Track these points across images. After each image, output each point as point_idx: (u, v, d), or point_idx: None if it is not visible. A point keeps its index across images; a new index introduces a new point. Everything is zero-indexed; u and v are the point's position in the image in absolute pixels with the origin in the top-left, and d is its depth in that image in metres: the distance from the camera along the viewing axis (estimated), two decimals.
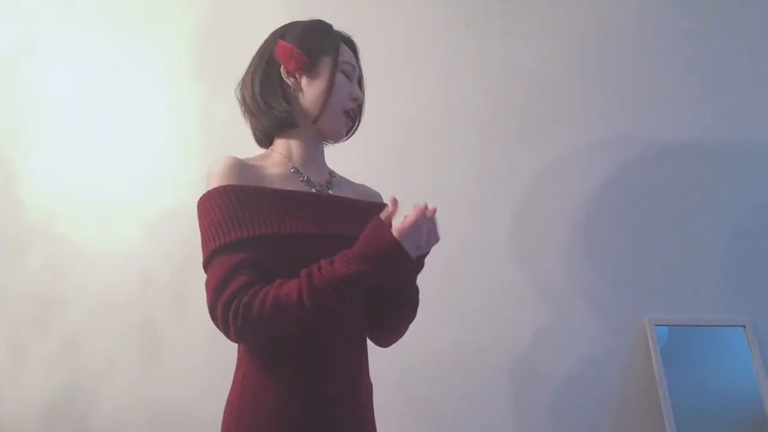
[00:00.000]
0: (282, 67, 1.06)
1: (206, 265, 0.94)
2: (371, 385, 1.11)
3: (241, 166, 0.99)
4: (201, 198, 0.98)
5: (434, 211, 0.91)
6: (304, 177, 1.07)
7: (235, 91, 1.12)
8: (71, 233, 2.07)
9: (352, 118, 1.11)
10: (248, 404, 0.96)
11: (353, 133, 1.16)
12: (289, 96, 1.07)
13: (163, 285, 1.96)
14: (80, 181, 2.11)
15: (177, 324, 1.92)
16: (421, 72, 1.91)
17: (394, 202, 0.91)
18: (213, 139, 2.02)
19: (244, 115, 1.12)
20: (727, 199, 1.71)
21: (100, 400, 1.94)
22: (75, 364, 1.98)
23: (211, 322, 0.89)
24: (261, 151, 1.15)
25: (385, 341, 1.16)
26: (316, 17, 1.12)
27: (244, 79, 1.11)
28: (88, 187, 2.09)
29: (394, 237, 0.86)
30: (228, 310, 0.88)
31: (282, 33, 1.09)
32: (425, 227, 0.90)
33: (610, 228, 1.73)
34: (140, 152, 2.07)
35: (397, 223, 0.90)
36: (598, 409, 1.65)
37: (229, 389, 1.03)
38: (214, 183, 0.97)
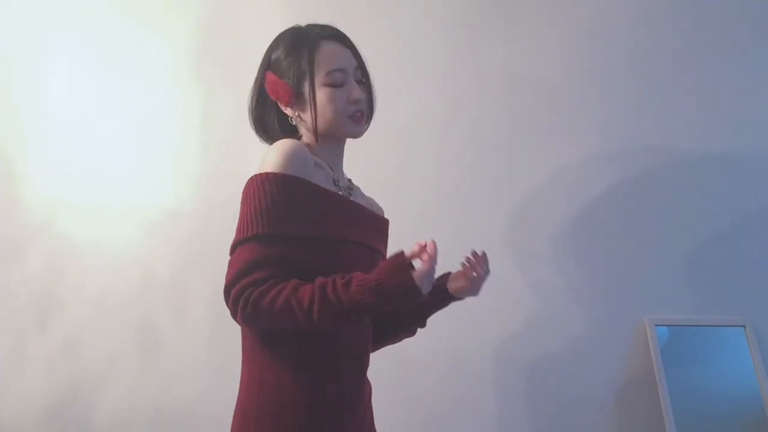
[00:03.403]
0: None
1: (237, 245, 0.95)
2: (369, 382, 1.12)
3: (299, 157, 0.97)
4: (254, 178, 0.96)
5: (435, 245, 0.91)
6: (336, 178, 1.08)
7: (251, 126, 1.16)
8: (71, 233, 2.07)
9: (360, 116, 1.07)
10: (268, 406, 0.95)
11: (370, 122, 1.14)
12: (288, 125, 1.11)
13: (163, 285, 1.96)
14: (80, 181, 2.10)
15: (177, 324, 1.92)
16: (420, 73, 1.91)
17: (423, 248, 0.89)
18: (213, 138, 2.02)
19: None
20: (727, 200, 1.71)
21: (100, 400, 1.94)
22: (75, 364, 1.98)
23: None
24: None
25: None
26: (315, 19, 1.12)
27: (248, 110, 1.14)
28: (88, 187, 2.09)
29: (414, 282, 0.87)
30: (240, 296, 0.89)
31: (268, 60, 1.09)
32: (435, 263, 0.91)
33: (611, 228, 1.73)
34: (140, 152, 2.07)
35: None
36: (597, 409, 1.65)
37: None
38: (270, 166, 0.96)
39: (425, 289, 0.88)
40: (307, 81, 1.03)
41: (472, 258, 1.08)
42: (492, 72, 1.87)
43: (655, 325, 1.65)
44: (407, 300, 0.89)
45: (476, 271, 1.08)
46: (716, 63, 1.78)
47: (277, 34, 1.12)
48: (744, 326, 1.63)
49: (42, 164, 2.16)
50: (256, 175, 0.96)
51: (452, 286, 1.12)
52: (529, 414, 1.68)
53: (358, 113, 1.06)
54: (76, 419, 1.95)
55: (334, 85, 1.04)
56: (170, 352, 1.92)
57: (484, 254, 1.08)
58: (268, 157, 0.97)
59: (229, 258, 0.97)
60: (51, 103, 2.20)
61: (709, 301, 1.66)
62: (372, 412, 1.12)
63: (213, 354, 1.87)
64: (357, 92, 1.05)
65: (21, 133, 2.21)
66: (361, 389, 1.05)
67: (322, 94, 1.03)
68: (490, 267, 1.09)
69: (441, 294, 1.13)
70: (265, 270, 0.90)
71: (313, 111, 1.03)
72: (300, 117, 1.07)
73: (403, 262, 0.88)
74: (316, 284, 0.90)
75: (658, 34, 1.81)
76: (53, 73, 2.21)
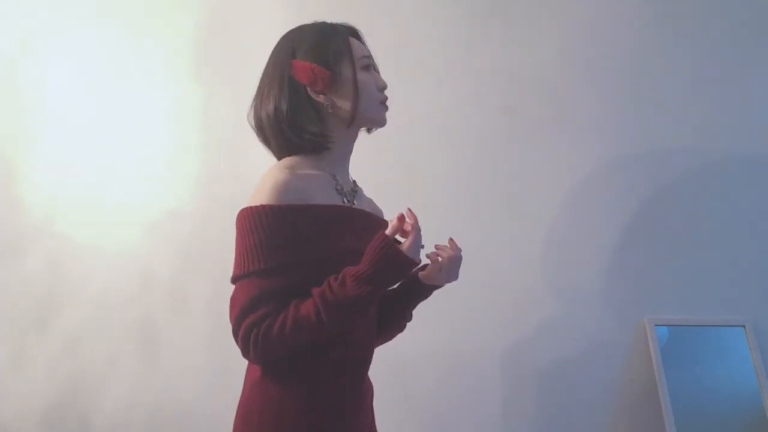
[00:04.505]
0: (308, 87, 1.02)
1: (238, 280, 0.93)
2: (371, 383, 1.12)
3: (293, 184, 0.95)
4: (248, 211, 0.93)
5: (411, 212, 0.96)
6: (339, 184, 1.06)
7: (248, 117, 1.08)
8: (71, 233, 2.08)
9: (386, 105, 1.10)
10: (270, 412, 0.94)
11: None
12: (322, 113, 1.04)
13: (163, 285, 1.96)
14: (80, 181, 2.11)
15: (177, 324, 1.93)
16: (420, 73, 1.91)
17: (402, 218, 0.91)
18: (213, 139, 2.02)
19: (262, 139, 1.08)
20: (727, 200, 1.71)
21: (100, 400, 1.94)
22: (75, 364, 1.98)
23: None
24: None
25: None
26: (314, 19, 1.12)
27: (260, 103, 1.06)
28: (88, 187, 2.09)
29: (406, 256, 0.90)
30: (249, 334, 0.89)
31: (292, 50, 1.04)
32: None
33: (611, 228, 1.73)
34: (140, 152, 2.08)
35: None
36: (598, 409, 1.65)
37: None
38: (264, 198, 0.93)
39: (417, 258, 0.92)
40: (347, 61, 1.04)
41: (439, 244, 1.11)
42: (492, 72, 1.87)
43: (655, 325, 1.65)
44: (404, 274, 0.94)
45: (440, 255, 1.09)
46: (716, 62, 1.77)
47: (280, 33, 1.10)
48: (744, 326, 1.63)
49: (42, 164, 2.16)
50: (250, 207, 0.93)
51: (422, 273, 1.13)
52: (529, 413, 1.68)
53: (385, 100, 1.09)
54: (76, 419, 1.95)
55: (366, 68, 1.06)
56: (170, 352, 1.92)
57: (450, 239, 1.11)
58: (261, 188, 0.95)
59: (230, 264, 0.96)
60: (51, 103, 2.20)
61: (709, 301, 1.66)
62: (373, 413, 1.12)
63: (213, 354, 1.87)
64: (382, 80, 1.09)
65: (21, 133, 2.21)
66: (363, 392, 1.05)
67: (361, 76, 1.05)
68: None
69: (416, 282, 1.13)
70: (270, 303, 0.90)
71: (354, 91, 1.03)
72: (335, 103, 1.04)
73: (386, 242, 0.89)
74: (314, 295, 0.90)
75: (658, 34, 1.81)
76: (53, 73, 2.21)
